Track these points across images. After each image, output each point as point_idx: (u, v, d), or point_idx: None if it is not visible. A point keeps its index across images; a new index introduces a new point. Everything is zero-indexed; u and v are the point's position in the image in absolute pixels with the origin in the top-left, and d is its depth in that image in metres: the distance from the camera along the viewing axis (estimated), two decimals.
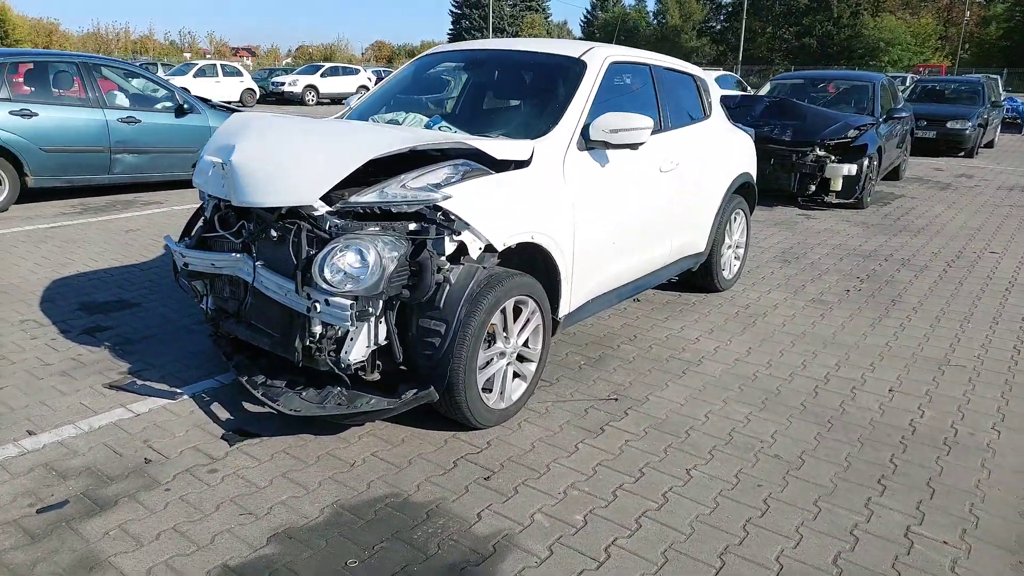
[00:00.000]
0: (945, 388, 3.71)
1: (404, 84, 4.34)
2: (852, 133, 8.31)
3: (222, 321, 3.31)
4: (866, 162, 8.25)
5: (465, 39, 62.63)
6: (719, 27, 70.61)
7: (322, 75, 28.53)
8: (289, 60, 73.71)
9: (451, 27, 74.34)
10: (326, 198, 2.80)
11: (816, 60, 57.61)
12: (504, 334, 3.09)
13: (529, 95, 4.00)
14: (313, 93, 27.83)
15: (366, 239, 2.66)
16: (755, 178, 5.35)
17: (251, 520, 2.48)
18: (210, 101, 9.17)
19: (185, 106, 8.36)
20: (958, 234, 7.34)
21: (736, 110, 9.15)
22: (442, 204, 2.75)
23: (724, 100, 9.73)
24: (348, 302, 2.64)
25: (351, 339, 2.76)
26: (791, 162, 8.42)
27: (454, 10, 73.49)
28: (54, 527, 2.40)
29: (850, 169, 8.18)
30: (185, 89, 9.14)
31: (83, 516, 2.46)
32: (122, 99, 8.24)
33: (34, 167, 7.16)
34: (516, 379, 3.27)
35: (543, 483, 2.76)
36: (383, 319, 2.78)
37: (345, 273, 2.63)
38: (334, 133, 3.15)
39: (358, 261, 2.63)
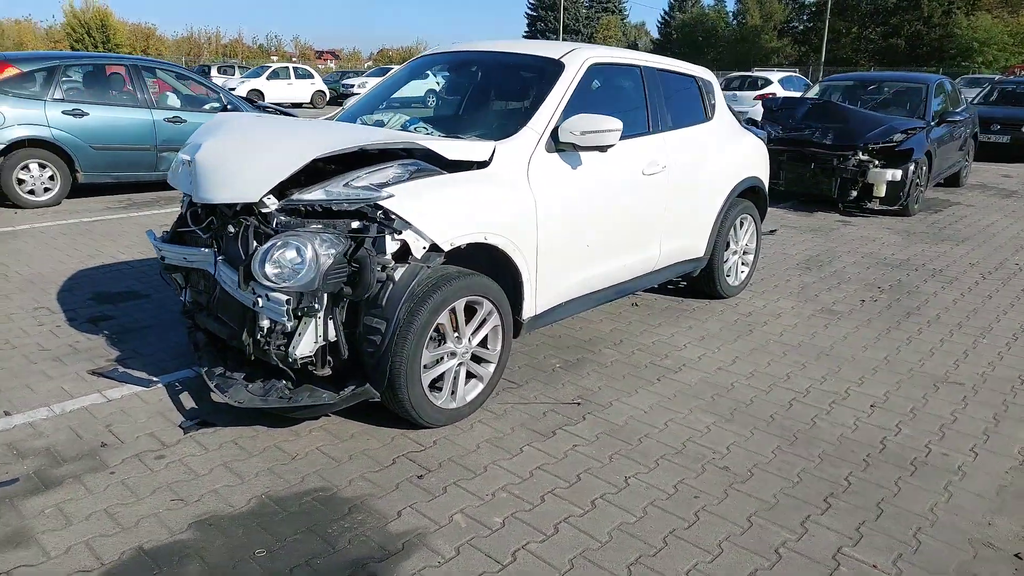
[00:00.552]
0: (934, 406, 3.51)
1: (397, 86, 4.39)
2: (898, 137, 7.93)
3: (196, 313, 3.44)
4: (912, 167, 7.86)
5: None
6: (801, 27, 68.42)
7: None
8: (370, 63, 75.45)
9: (526, 29, 74.62)
10: (281, 195, 2.88)
11: (904, 61, 55.14)
12: (455, 334, 3.09)
13: (506, 97, 3.99)
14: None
15: (304, 236, 2.71)
16: (766, 183, 5.19)
17: (180, 506, 2.56)
18: (256, 103, 9.50)
19: (229, 107, 8.68)
20: (1006, 245, 6.91)
21: (778, 112, 8.89)
22: (383, 203, 2.78)
23: (766, 102, 9.51)
24: (284, 297, 2.71)
25: (299, 334, 2.82)
26: (832, 166, 8.10)
27: (530, 12, 73.68)
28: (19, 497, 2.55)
29: (894, 174, 7.81)
30: (232, 90, 9.50)
31: (27, 494, 2.60)
32: (173, 100, 8.63)
33: (84, 164, 7.59)
34: (472, 380, 3.27)
35: (475, 484, 2.75)
36: (332, 316, 2.83)
37: (282, 269, 2.69)
38: (290, 133, 3.23)
39: (296, 257, 2.68)
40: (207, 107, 8.67)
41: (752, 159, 4.97)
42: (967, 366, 4.00)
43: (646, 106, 4.11)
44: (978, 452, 3.08)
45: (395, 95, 4.37)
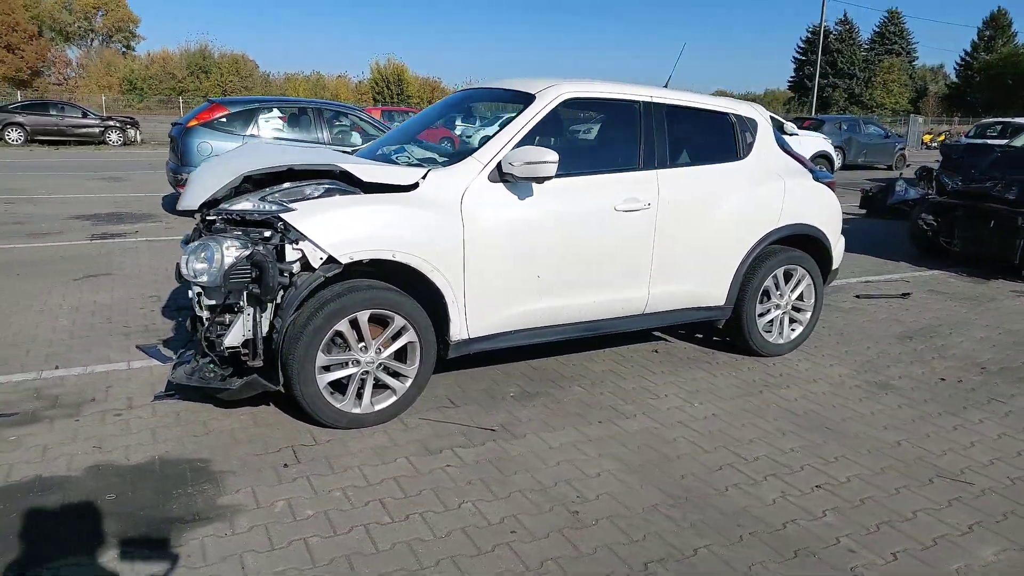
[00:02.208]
0: (900, 500, 2.95)
1: (422, 117, 4.72)
2: None
3: None
4: None
5: (807, 86, 59.53)
6: None
7: None
8: None
9: (792, 75, 71.24)
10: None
11: None
12: (361, 344, 3.33)
13: (485, 128, 4.14)
14: None
15: (216, 240, 3.16)
16: (830, 233, 4.65)
17: (93, 452, 3.10)
18: None
19: None
20: None
21: (959, 160, 7.76)
22: (283, 216, 3.13)
23: (944, 147, 8.32)
24: (197, 290, 3.17)
25: (230, 326, 3.27)
26: (1015, 226, 6.85)
27: (798, 56, 70.29)
28: None
29: None
30: None
31: (12, 425, 3.32)
32: (356, 138, 9.86)
33: None
34: (386, 391, 3.46)
35: (324, 480, 2.94)
36: (263, 312, 3.24)
37: (197, 266, 3.16)
38: (250, 157, 3.71)
39: (206, 257, 3.14)
40: None
41: (804, 204, 4.51)
42: (999, 469, 3.27)
43: (638, 141, 4.00)
44: (898, 556, 2.57)
45: (414, 126, 4.66)
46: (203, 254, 3.15)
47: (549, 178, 3.50)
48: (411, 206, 3.35)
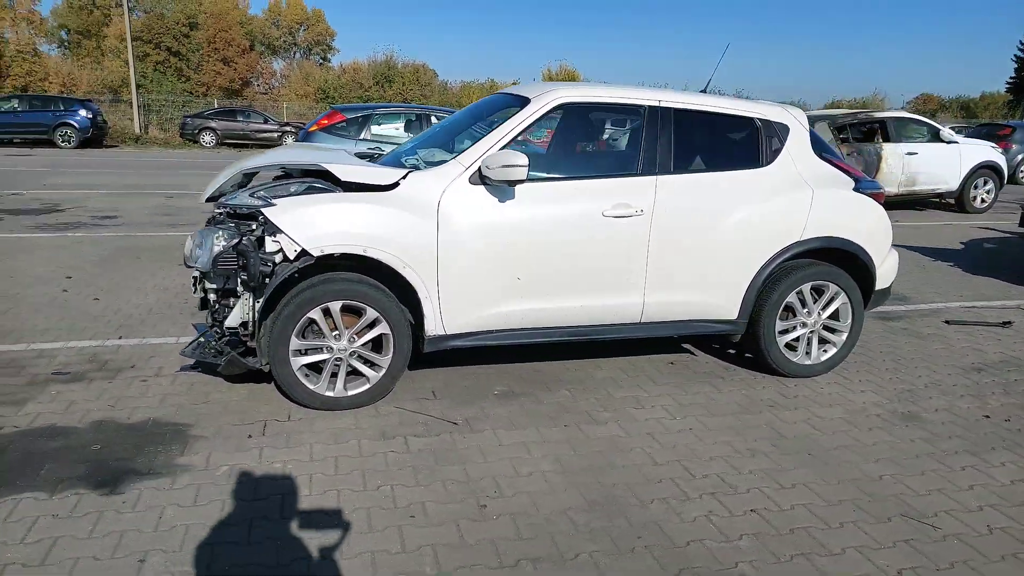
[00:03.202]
0: (837, 535, 2.73)
1: (452, 122, 4.86)
2: None
3: None
4: None
5: None
6: None
7: None
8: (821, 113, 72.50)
9: (1011, 76, 63.58)
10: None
11: None
12: (335, 332, 3.58)
13: (484, 131, 4.18)
14: None
15: (210, 230, 3.55)
16: (871, 248, 4.27)
17: (107, 410, 3.58)
18: None
19: None
20: None
21: None
22: (264, 211, 3.45)
23: None
24: (196, 275, 3.58)
25: (231, 309, 3.66)
26: None
27: (1019, 55, 62.61)
28: (42, 380, 3.90)
29: None
30: None
31: (60, 381, 3.91)
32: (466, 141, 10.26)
33: None
34: (359, 378, 3.68)
35: (274, 452, 3.22)
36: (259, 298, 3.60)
37: (194, 253, 3.56)
38: (259, 156, 4.06)
39: (200, 245, 3.53)
40: None
41: (838, 216, 4.18)
42: (988, 514, 2.90)
43: (639, 146, 3.93)
44: None
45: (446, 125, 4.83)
46: (198, 242, 3.54)
47: (521, 181, 3.56)
48: (386, 205, 3.55)
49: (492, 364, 4.39)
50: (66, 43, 51.32)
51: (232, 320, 3.62)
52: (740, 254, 4.05)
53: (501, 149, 3.69)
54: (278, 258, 3.48)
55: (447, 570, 2.44)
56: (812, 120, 11.50)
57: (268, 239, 3.44)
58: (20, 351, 4.35)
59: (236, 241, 3.49)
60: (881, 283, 4.44)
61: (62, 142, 22.31)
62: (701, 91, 4.71)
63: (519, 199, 3.70)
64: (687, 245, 3.95)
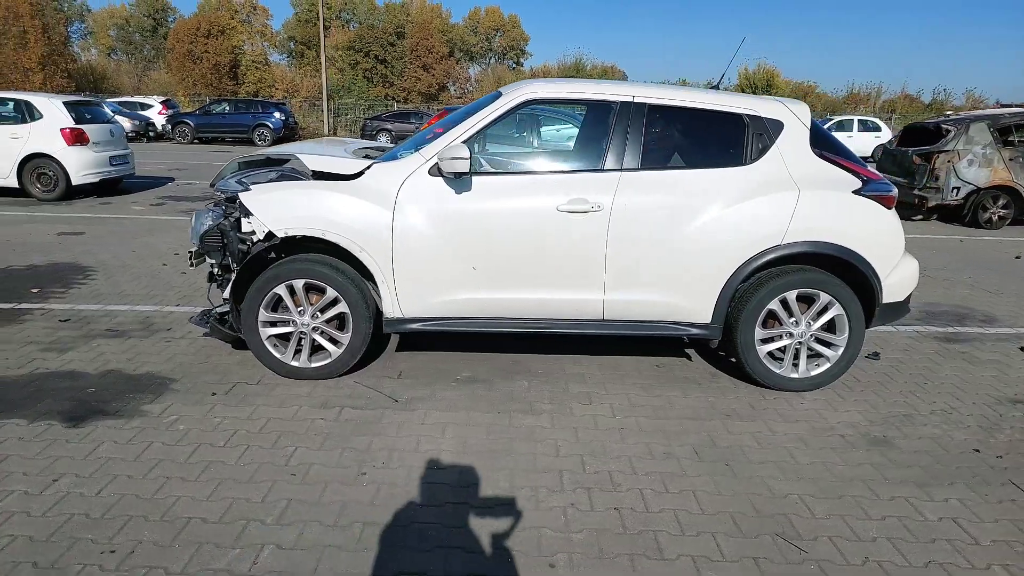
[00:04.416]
0: (679, 541, 2.62)
1: (451, 116, 5.02)
2: None
3: None
4: None
5: None
6: None
7: None
8: None
9: None
10: None
11: None
12: (299, 308, 3.93)
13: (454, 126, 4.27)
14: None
15: (203, 210, 4.04)
16: (872, 256, 3.89)
17: (120, 361, 4.21)
18: None
19: None
20: None
21: None
22: (240, 195, 3.88)
23: None
24: (193, 250, 4.09)
25: (227, 280, 4.17)
26: None
27: None
28: (94, 335, 4.64)
29: None
30: None
31: (105, 337, 4.63)
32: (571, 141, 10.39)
33: None
34: (321, 352, 4.01)
35: (222, 409, 3.62)
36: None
37: (191, 230, 4.08)
38: (294, 147, 4.49)
39: (193, 224, 4.04)
40: None
41: (831, 220, 3.85)
42: (882, 546, 2.63)
43: (606, 142, 3.89)
44: None
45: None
46: (193, 221, 4.06)
47: (464, 174, 3.70)
48: (347, 193, 3.83)
49: (477, 352, 4.54)
50: (292, 53, 57.50)
51: (228, 291, 4.09)
52: (711, 255, 3.88)
53: (464, 143, 3.85)
54: (255, 238, 3.89)
55: (286, 522, 2.68)
56: (968, 121, 10.35)
57: (243, 221, 3.86)
58: (94, 310, 5.18)
59: (220, 222, 3.96)
60: (891, 296, 4.02)
61: (259, 140, 25.18)
62: (713, 86, 4.53)
63: (475, 191, 3.83)
64: (651, 244, 3.85)
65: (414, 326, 4.00)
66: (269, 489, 2.90)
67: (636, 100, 3.95)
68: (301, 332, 3.97)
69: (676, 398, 3.95)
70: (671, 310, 3.97)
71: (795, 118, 4.01)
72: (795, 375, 4.05)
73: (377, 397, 3.84)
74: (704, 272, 3.90)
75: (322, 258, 3.93)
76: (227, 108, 26.44)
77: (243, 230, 3.88)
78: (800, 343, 4.02)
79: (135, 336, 4.66)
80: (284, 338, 4.02)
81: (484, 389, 3.99)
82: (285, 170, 4.10)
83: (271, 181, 3.98)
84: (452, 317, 3.99)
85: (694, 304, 3.95)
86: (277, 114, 25.74)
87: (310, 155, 4.00)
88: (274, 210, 3.81)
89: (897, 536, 2.70)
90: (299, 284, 3.89)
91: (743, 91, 59.19)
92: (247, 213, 3.84)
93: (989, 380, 4.35)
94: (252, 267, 3.91)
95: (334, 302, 3.92)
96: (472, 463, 3.16)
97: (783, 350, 4.05)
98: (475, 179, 3.83)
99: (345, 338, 3.98)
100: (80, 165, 10.71)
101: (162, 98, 30.74)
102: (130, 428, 3.39)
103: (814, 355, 4.08)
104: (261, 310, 3.91)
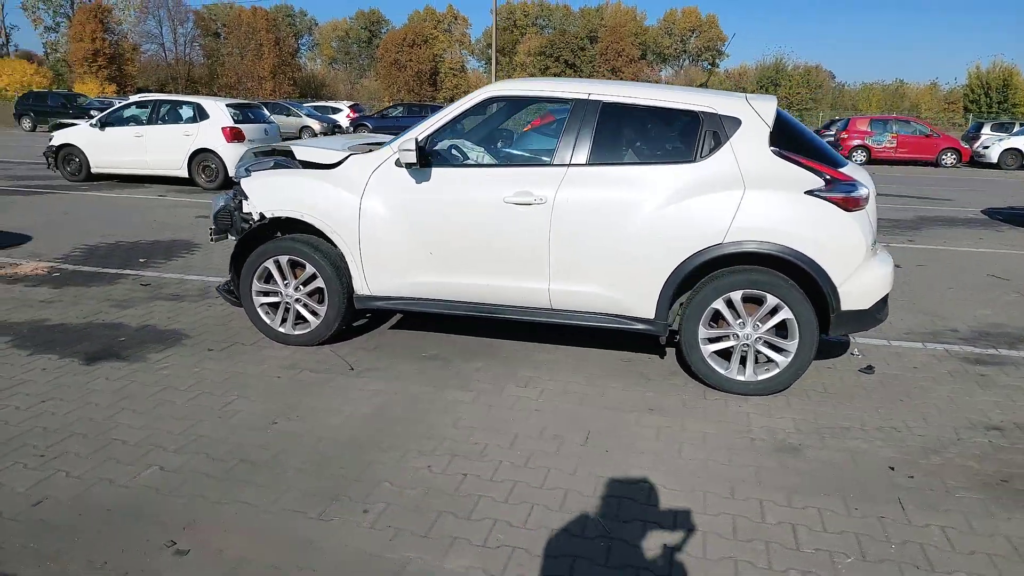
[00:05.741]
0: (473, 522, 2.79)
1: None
2: None
3: None
4: None
5: None
6: None
7: None
8: None
9: None
10: None
11: None
12: (285, 281, 4.47)
13: None
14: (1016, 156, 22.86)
15: (222, 193, 4.71)
16: (824, 259, 3.70)
17: (134, 320, 5.01)
18: None
19: None
20: None
21: None
22: (239, 180, 4.49)
23: None
24: (211, 227, 4.78)
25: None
26: None
27: None
28: (158, 298, 5.52)
29: None
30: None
31: (169, 299, 5.50)
32: None
33: None
34: (304, 321, 4.53)
35: (209, 363, 4.24)
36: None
37: (211, 210, 4.77)
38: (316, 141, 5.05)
39: (212, 204, 4.72)
40: None
41: (779, 221, 3.70)
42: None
43: (559, 138, 4.03)
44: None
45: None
46: (212, 203, 4.74)
47: (412, 165, 4.03)
48: (325, 180, 4.32)
49: (460, 335, 4.83)
50: (489, 60, 60.64)
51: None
52: (653, 251, 3.89)
53: (428, 136, 4.19)
54: (255, 218, 4.49)
55: (187, 452, 3.18)
56: None
57: (244, 203, 4.48)
58: (173, 278, 6.12)
59: (228, 203, 4.60)
60: (851, 303, 3.79)
61: None
62: (703, 83, 4.49)
63: (433, 182, 4.15)
64: (591, 237, 3.95)
65: (380, 304, 4.40)
66: (191, 425, 3.42)
67: (591, 98, 4.07)
68: (286, 302, 4.51)
69: (614, 390, 4.01)
70: (613, 303, 4.04)
71: (755, 115, 3.91)
72: (741, 377, 3.95)
73: (339, 364, 4.28)
74: (645, 267, 3.93)
75: (306, 238, 4.44)
76: (401, 112, 28.51)
77: (244, 211, 4.49)
78: (747, 345, 3.92)
79: (188, 300, 5.48)
80: (275, 307, 4.58)
81: (439, 367, 4.30)
82: (281, 160, 4.67)
83: (267, 169, 4.56)
84: (414, 298, 4.33)
85: (636, 299, 3.99)
86: None
87: (302, 147, 4.54)
88: (264, 194, 4.39)
89: (716, 531, 2.68)
90: (284, 260, 4.43)
91: (972, 92, 53.04)
92: (245, 196, 4.45)
93: (983, 405, 3.94)
94: (248, 243, 4.51)
95: (312, 277, 4.42)
96: (373, 426, 3.49)
97: (731, 352, 3.96)
98: (434, 170, 4.15)
99: (322, 310, 4.46)
100: (236, 159, 12.27)
101: (350, 103, 33.81)
102: (126, 369, 4.09)
103: (765, 359, 3.96)
104: (254, 281, 4.50)
